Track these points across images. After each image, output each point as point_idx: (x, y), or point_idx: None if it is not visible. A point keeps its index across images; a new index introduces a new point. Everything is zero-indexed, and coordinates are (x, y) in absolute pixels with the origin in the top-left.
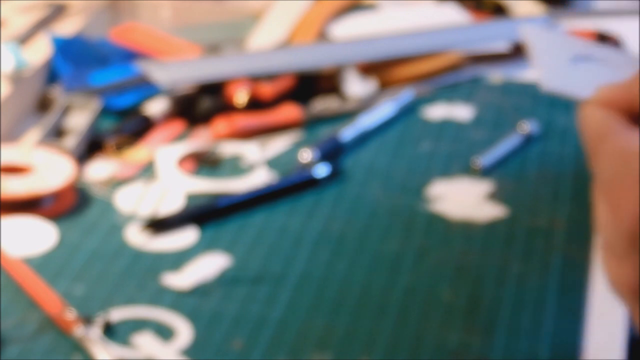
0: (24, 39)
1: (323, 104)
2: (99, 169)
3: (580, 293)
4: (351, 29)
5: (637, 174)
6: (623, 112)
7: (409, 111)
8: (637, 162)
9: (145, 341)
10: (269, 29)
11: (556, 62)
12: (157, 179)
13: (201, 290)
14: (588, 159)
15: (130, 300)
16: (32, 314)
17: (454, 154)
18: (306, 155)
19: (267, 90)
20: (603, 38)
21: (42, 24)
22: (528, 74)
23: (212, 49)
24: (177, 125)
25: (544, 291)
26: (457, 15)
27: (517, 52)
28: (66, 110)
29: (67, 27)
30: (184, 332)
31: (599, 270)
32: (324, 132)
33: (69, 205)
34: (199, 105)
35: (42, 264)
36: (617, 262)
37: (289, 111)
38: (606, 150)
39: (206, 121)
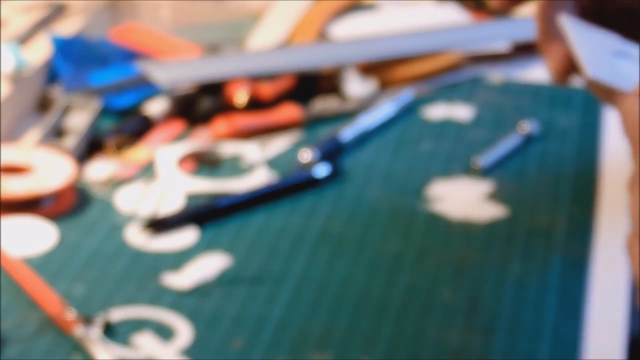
0: (24, 39)
1: (323, 104)
2: (99, 169)
3: (580, 293)
4: (351, 29)
5: None
6: None
7: (409, 111)
8: None
9: (145, 341)
10: (269, 29)
11: (597, 53)
12: (157, 179)
13: (201, 290)
14: (629, 150)
15: (130, 300)
16: (32, 314)
17: (454, 154)
18: (306, 155)
19: (267, 90)
20: None
21: (42, 24)
22: (528, 74)
23: (212, 49)
24: (177, 125)
25: (544, 291)
26: (457, 15)
27: (517, 52)
28: (66, 110)
29: (67, 27)
30: (184, 332)
31: (599, 270)
32: (324, 132)
33: (69, 205)
34: (199, 105)
35: (42, 264)
36: None
37: (289, 111)
38: None
39: (206, 121)
